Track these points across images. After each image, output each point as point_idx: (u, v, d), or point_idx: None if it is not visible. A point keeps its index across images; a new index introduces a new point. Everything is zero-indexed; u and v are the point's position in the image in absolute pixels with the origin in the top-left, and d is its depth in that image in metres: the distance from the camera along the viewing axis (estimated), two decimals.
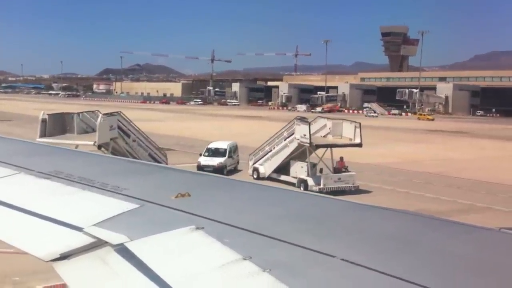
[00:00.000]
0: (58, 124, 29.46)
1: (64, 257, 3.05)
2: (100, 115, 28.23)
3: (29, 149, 7.02)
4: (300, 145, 28.67)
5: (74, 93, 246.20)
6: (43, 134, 27.47)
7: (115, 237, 3.14)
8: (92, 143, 25.89)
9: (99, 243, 3.13)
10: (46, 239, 3.36)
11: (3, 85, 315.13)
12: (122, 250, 2.99)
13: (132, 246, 3.01)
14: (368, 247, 2.90)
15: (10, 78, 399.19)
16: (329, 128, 30.50)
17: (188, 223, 3.21)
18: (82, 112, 31.05)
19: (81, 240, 3.19)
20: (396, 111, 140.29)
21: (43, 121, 28.38)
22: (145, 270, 2.77)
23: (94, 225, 3.35)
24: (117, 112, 29.91)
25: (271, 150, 31.34)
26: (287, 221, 3.38)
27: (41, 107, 75.67)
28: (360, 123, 29.62)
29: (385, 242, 3.02)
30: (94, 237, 3.19)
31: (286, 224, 3.31)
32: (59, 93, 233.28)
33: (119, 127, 28.52)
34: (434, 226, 3.43)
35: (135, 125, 30.86)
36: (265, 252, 2.82)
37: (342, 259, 2.66)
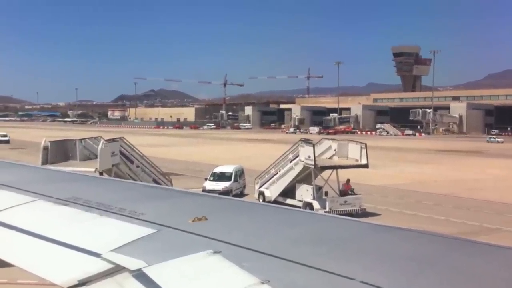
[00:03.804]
0: (60, 151, 29.51)
1: (82, 283, 3.05)
2: (102, 141, 28.26)
3: (47, 175, 7.10)
4: (305, 167, 28.42)
5: (90, 120, 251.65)
6: (45, 162, 27.41)
7: (133, 263, 3.14)
8: (94, 169, 25.77)
9: (117, 269, 3.13)
10: (65, 265, 3.38)
11: (20, 113, 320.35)
12: (140, 276, 2.99)
13: (150, 272, 3.00)
14: (388, 269, 2.87)
15: (26, 107, 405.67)
16: (335, 150, 30.25)
17: (206, 247, 3.20)
18: (84, 139, 31.12)
19: (99, 266, 3.19)
20: (410, 132, 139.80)
21: (45, 148, 28.46)
22: None
23: (112, 250, 3.36)
24: (119, 138, 29.89)
25: (276, 173, 31.11)
26: (305, 243, 3.36)
27: (54, 134, 76.78)
28: (366, 144, 29.34)
29: (406, 263, 2.98)
30: (112, 262, 3.20)
31: (304, 246, 3.29)
32: (88, 121, 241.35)
33: (121, 153, 28.49)
34: (455, 246, 3.39)
35: (138, 151, 30.85)
36: (283, 275, 2.80)
37: (362, 282, 2.63)
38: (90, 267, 3.19)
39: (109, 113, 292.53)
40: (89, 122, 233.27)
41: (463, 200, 33.01)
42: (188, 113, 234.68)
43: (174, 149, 74.21)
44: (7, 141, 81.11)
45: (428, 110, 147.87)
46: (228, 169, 34.02)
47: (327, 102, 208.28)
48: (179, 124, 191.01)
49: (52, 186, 5.67)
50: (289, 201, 29.54)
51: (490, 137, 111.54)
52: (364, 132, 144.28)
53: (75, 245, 3.57)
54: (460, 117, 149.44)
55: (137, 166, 29.87)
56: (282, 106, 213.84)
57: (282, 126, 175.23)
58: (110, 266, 3.17)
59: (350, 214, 26.39)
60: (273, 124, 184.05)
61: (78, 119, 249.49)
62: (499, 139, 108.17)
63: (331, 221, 4.36)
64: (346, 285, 2.64)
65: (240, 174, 34.24)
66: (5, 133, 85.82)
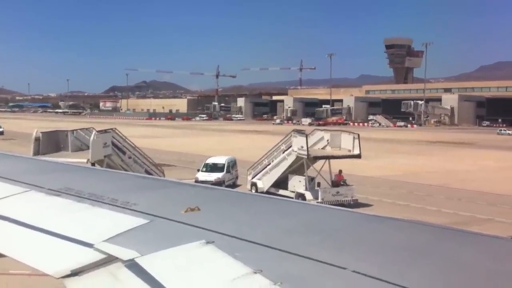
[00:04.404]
0: (52, 142, 29.38)
1: (75, 273, 3.05)
2: (94, 132, 28.13)
3: (39, 166, 7.07)
4: (298, 158, 28.40)
5: (84, 111, 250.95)
6: (36, 153, 27.29)
7: (125, 253, 3.14)
8: (85, 160, 25.60)
9: (109, 259, 3.13)
10: (57, 256, 3.37)
11: (11, 104, 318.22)
12: (133, 266, 2.99)
13: (143, 262, 3.01)
14: (380, 258, 2.89)
15: (17, 98, 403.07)
16: (327, 140, 30.27)
17: (198, 237, 3.21)
18: (76, 130, 31.00)
19: (92, 256, 3.19)
20: (402, 123, 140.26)
21: (37, 139, 28.34)
22: (156, 285, 2.76)
23: (105, 241, 3.36)
24: (111, 129, 29.77)
25: (269, 164, 31.09)
26: (297, 233, 3.38)
27: (46, 125, 76.30)
28: (358, 134, 29.37)
29: (397, 253, 3.00)
30: (104, 253, 3.20)
31: (297, 236, 3.30)
32: (82, 112, 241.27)
33: (113, 144, 28.42)
34: (446, 236, 3.41)
35: (130, 142, 30.75)
36: (275, 265, 2.81)
37: (354, 271, 2.65)
38: (82, 257, 3.19)
39: (101, 104, 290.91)
40: (83, 113, 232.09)
41: (455, 191, 33.20)
42: (180, 104, 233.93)
43: (166, 140, 74.05)
44: (1, 133, 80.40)
45: (420, 102, 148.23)
46: (221, 160, 34.00)
47: (320, 93, 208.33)
48: (171, 116, 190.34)
49: (44, 177, 5.64)
50: (281, 192, 29.58)
51: (501, 130, 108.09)
52: (356, 124, 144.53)
53: (67, 236, 3.57)
54: (452, 108, 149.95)
55: (129, 157, 29.82)
56: (275, 97, 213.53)
57: (275, 117, 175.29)
58: (102, 256, 3.17)
59: (342, 204, 26.43)
60: (266, 116, 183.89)
61: (69, 110, 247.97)
62: (510, 132, 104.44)
63: (323, 212, 4.38)
64: (339, 274, 2.66)
65: (232, 165, 34.23)
66: None
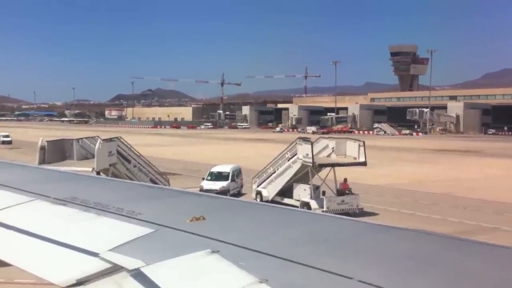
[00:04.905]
0: (57, 151, 29.44)
1: (80, 283, 3.05)
2: (99, 140, 28.21)
3: (44, 175, 7.09)
4: (303, 166, 28.32)
5: (91, 120, 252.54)
6: (42, 162, 27.34)
7: (131, 262, 3.14)
8: (91, 169, 25.66)
9: (115, 268, 3.13)
10: (63, 265, 3.38)
11: (17, 113, 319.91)
12: (138, 275, 2.99)
13: (148, 271, 3.01)
14: (386, 268, 2.88)
15: (23, 106, 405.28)
16: (332, 148, 30.25)
17: (204, 247, 3.21)
18: (81, 138, 31.04)
19: (97, 265, 3.20)
20: (407, 131, 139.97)
21: (42, 148, 28.40)
22: None
23: (110, 250, 3.36)
24: (116, 137, 29.82)
25: (274, 172, 31.02)
26: (303, 242, 3.37)
27: (52, 134, 76.65)
28: (364, 142, 29.33)
29: (404, 263, 2.99)
30: (110, 262, 3.20)
31: (302, 245, 3.29)
32: (89, 120, 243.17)
33: (118, 153, 28.43)
34: (452, 245, 3.40)
35: (135, 150, 30.79)
36: (281, 274, 2.81)
37: (360, 281, 2.64)
38: (88, 266, 3.19)
39: (106, 112, 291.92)
40: (90, 122, 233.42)
41: (460, 199, 33.01)
42: (186, 112, 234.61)
43: (171, 148, 74.16)
44: (10, 142, 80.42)
45: (425, 110, 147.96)
46: (226, 168, 33.98)
47: (325, 101, 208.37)
48: (176, 124, 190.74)
49: (49, 186, 5.66)
50: (286, 200, 29.48)
51: None
52: (361, 132, 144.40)
53: (73, 245, 3.57)
54: (457, 116, 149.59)
55: (135, 166, 29.81)
56: (280, 105, 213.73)
57: (279, 125, 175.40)
58: (108, 265, 3.17)
59: (347, 213, 26.31)
60: (271, 124, 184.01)
61: (75, 119, 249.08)
62: None
63: (328, 221, 4.36)
64: (345, 284, 2.65)
65: (237, 173, 34.20)
66: (7, 133, 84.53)
